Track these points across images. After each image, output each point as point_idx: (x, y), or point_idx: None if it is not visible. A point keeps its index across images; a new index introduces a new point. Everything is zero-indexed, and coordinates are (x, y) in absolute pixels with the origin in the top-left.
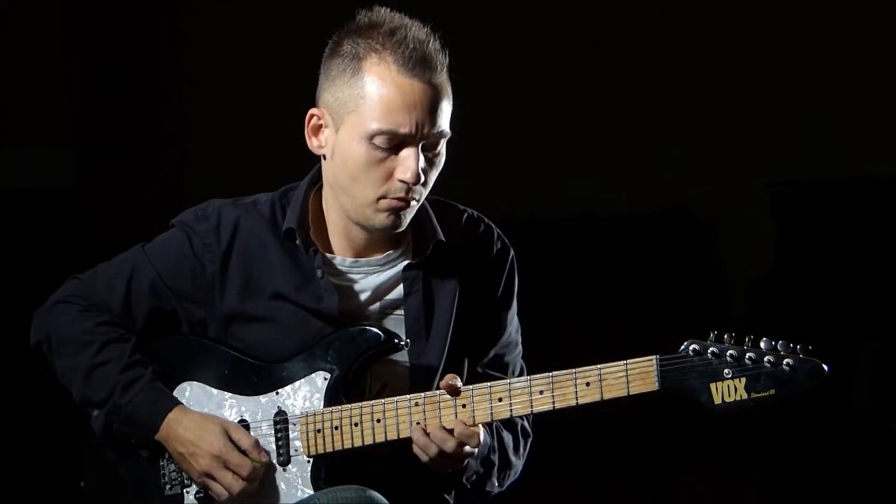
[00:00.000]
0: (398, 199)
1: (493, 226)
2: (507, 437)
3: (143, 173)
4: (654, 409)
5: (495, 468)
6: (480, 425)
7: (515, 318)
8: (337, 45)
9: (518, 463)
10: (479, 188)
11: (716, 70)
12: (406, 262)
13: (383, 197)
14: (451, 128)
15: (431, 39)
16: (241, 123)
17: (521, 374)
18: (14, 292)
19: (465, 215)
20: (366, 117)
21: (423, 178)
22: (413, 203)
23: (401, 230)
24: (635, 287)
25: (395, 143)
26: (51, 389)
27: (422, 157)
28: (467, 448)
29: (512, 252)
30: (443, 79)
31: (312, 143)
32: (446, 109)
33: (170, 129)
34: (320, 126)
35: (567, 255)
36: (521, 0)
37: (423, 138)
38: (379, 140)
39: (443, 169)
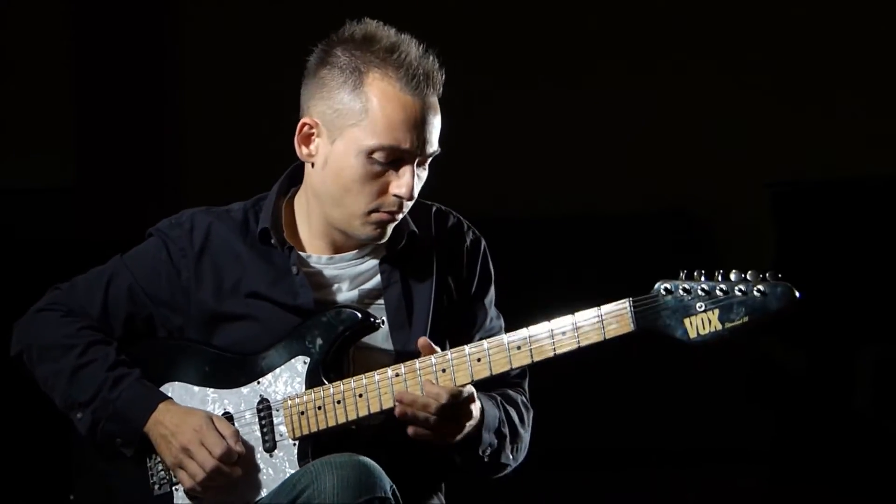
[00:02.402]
0: (389, 212)
1: (462, 218)
2: (512, 411)
3: (143, 173)
4: (656, 412)
5: (507, 440)
6: (476, 393)
7: (493, 306)
8: (329, 55)
9: (526, 436)
10: (479, 189)
11: (716, 70)
12: (382, 255)
13: (375, 210)
14: (452, 129)
15: (431, 57)
16: (242, 123)
17: None
18: (13, 292)
19: (434, 209)
20: (367, 132)
21: (415, 194)
22: (399, 216)
23: (383, 241)
24: (635, 287)
25: (393, 159)
26: (44, 397)
27: (415, 172)
28: (464, 406)
29: (483, 242)
30: (440, 96)
31: (302, 152)
32: (440, 127)
33: (170, 129)
34: (311, 135)
35: (567, 255)
36: (521, 1)
37: (420, 154)
38: (378, 155)
39: (442, 170)
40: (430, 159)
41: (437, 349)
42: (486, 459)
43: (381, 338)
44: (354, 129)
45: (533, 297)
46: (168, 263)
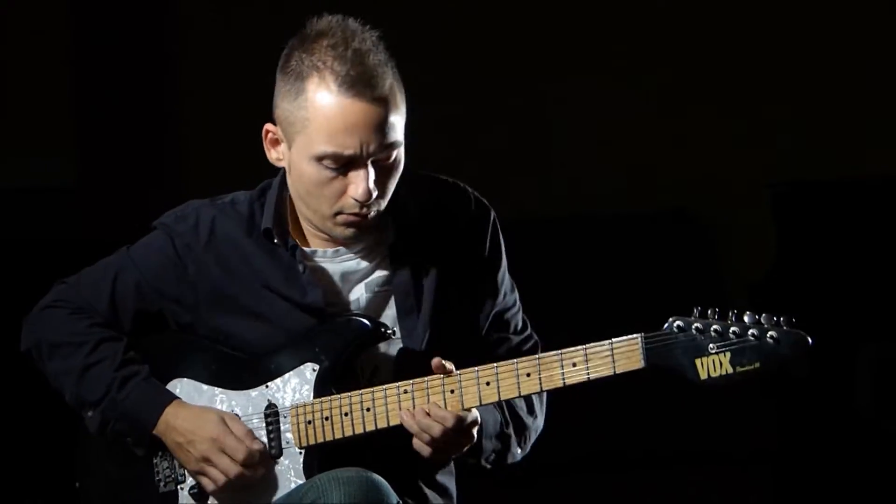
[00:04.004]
0: (353, 214)
1: (469, 188)
2: (520, 401)
3: (143, 173)
4: (656, 412)
5: (512, 438)
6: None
7: (507, 277)
8: (287, 58)
9: (536, 422)
10: (478, 188)
11: (716, 70)
12: (389, 242)
13: (339, 213)
14: (449, 128)
15: (374, 51)
16: (243, 123)
17: (524, 329)
18: (14, 292)
19: (443, 183)
20: (312, 139)
21: (375, 193)
22: (371, 215)
23: (361, 236)
24: (635, 287)
25: (343, 163)
26: (48, 390)
27: (372, 172)
28: (467, 430)
29: (493, 213)
30: (388, 91)
31: (271, 156)
32: (395, 121)
33: (171, 129)
34: (277, 139)
35: (567, 255)
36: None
37: (370, 156)
38: (327, 162)
39: (443, 171)
40: (395, 152)
41: (452, 366)
42: (488, 466)
43: (390, 323)
44: (301, 136)
45: (532, 297)
46: (175, 258)
